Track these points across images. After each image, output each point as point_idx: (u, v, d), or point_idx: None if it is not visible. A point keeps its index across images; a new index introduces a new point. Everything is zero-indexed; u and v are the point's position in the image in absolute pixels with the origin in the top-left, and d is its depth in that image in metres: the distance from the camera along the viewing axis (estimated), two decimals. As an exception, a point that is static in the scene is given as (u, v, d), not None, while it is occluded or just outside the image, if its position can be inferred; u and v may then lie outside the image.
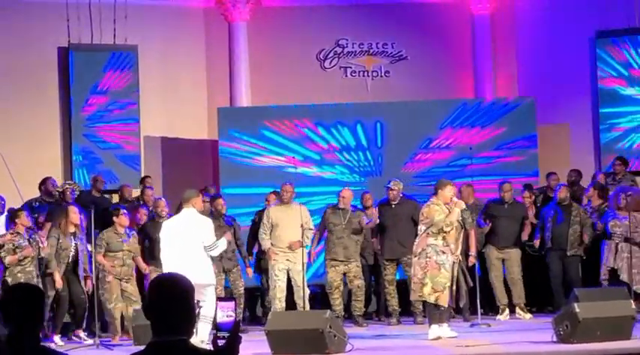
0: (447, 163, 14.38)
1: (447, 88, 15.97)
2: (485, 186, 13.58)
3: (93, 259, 11.25)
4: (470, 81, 16.05)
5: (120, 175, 14.62)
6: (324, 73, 15.96)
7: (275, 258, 11.71)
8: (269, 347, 9.21)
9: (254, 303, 13.29)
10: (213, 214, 11.79)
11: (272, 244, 11.81)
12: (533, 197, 13.27)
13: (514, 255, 12.38)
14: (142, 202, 12.94)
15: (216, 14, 15.83)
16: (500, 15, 16.03)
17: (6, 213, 11.46)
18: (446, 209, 10.10)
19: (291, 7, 15.97)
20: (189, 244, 9.66)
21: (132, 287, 11.47)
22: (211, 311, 9.52)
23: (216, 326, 3.77)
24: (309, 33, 15.88)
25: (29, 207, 12.14)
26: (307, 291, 11.71)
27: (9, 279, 10.62)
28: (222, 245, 10.01)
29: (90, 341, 11.01)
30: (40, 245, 10.86)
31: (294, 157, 13.76)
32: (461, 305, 10.90)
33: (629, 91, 15.05)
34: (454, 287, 10.07)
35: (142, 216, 12.25)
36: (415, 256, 10.15)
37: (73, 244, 11.17)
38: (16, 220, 10.89)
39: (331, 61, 16.00)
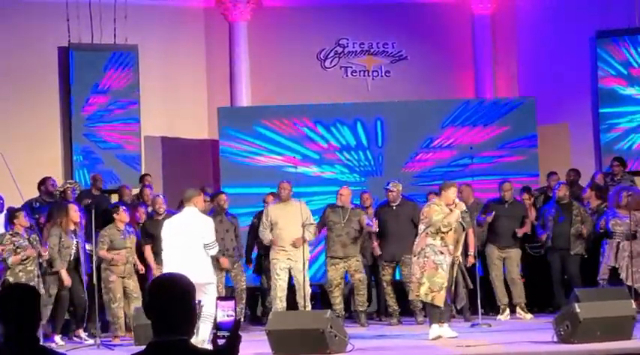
0: (448, 163, 14.36)
1: (447, 88, 15.96)
2: (486, 186, 13.57)
3: (91, 258, 11.24)
4: (470, 81, 16.03)
5: (120, 175, 14.61)
6: (324, 72, 15.95)
7: (276, 256, 11.70)
8: (270, 347, 9.21)
9: (254, 303, 13.29)
10: (216, 210, 11.80)
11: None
12: (533, 199, 13.24)
13: (514, 254, 12.37)
14: (140, 201, 12.94)
15: (217, 14, 15.82)
16: (500, 15, 16.03)
17: (5, 212, 11.46)
18: (446, 210, 10.11)
19: (291, 7, 15.96)
20: (190, 243, 9.75)
21: (133, 283, 11.46)
22: (213, 309, 9.51)
23: (216, 326, 3.76)
24: (310, 33, 15.87)
25: (29, 207, 12.14)
26: (309, 290, 11.70)
27: (10, 279, 10.61)
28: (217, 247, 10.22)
29: (91, 341, 11.01)
30: (43, 254, 10.84)
31: (294, 157, 13.74)
32: (459, 307, 10.89)
33: (629, 91, 15.05)
34: (452, 288, 10.08)
35: (141, 214, 12.26)
36: (414, 256, 10.18)
37: (75, 242, 11.17)
38: (15, 221, 10.89)
39: (332, 61, 15.99)
